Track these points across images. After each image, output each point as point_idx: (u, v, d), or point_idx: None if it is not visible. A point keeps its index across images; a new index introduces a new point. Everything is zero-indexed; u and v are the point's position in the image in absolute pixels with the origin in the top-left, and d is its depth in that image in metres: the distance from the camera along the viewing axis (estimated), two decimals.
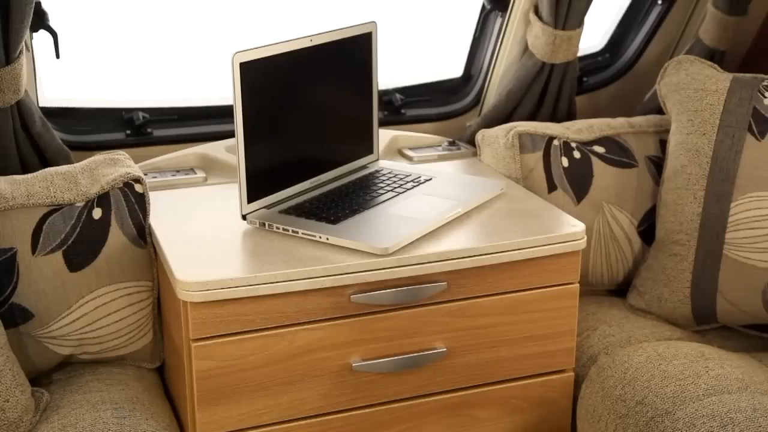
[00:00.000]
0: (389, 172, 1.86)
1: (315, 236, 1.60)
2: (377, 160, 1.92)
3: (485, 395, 1.71)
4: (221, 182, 1.90)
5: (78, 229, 1.62)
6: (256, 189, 1.66)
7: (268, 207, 1.69)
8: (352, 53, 1.81)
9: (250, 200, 1.66)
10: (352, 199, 1.73)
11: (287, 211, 1.68)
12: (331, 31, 1.74)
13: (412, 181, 1.82)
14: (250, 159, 1.63)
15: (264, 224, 1.64)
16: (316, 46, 1.71)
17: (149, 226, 1.67)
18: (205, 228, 1.67)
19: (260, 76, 1.62)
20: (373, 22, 1.82)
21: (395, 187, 1.79)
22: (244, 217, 1.66)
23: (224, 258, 1.57)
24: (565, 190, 1.95)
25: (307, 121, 1.75)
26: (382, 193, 1.76)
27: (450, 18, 2.30)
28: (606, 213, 1.98)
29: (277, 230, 1.63)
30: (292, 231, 1.62)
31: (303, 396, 1.58)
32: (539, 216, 1.73)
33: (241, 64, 1.58)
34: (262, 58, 1.61)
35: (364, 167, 1.89)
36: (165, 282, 1.62)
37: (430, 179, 1.84)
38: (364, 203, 1.71)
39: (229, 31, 2.11)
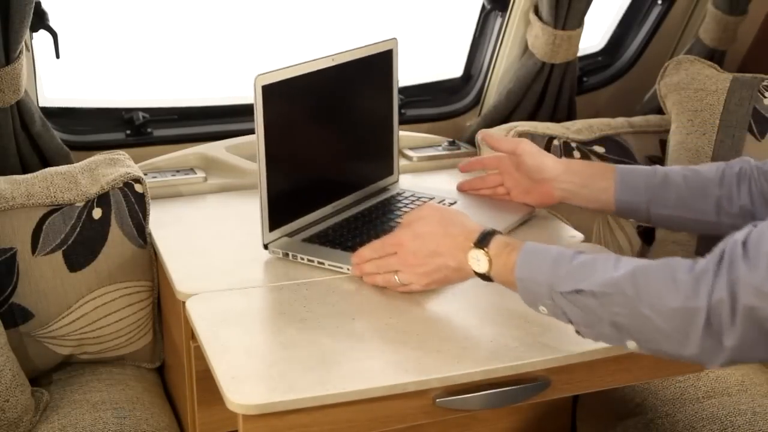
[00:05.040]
0: (411, 195, 1.77)
1: (342, 268, 1.50)
2: (397, 181, 1.84)
3: None
4: (221, 183, 1.90)
5: (78, 229, 1.62)
6: (277, 216, 1.56)
7: (289, 235, 1.59)
8: (373, 71, 1.73)
9: (271, 228, 1.56)
10: (377, 226, 1.63)
11: (310, 240, 1.58)
12: (352, 50, 1.66)
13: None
14: (271, 185, 1.53)
15: (288, 254, 1.54)
16: (337, 65, 1.63)
17: (150, 234, 1.67)
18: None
19: (282, 98, 1.53)
20: (394, 38, 1.74)
21: None
22: (265, 246, 1.56)
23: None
24: None
25: (328, 142, 1.68)
26: None
27: (450, 18, 2.30)
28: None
29: (302, 261, 1.53)
30: (318, 262, 1.51)
31: None
32: (537, 226, 1.70)
33: (264, 87, 1.49)
34: (284, 80, 1.53)
35: (384, 189, 1.80)
36: (165, 282, 1.62)
37: (455, 202, 1.75)
38: (389, 231, 1.58)
39: (228, 31, 2.12)
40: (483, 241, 1.32)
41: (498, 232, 1.33)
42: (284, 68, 1.53)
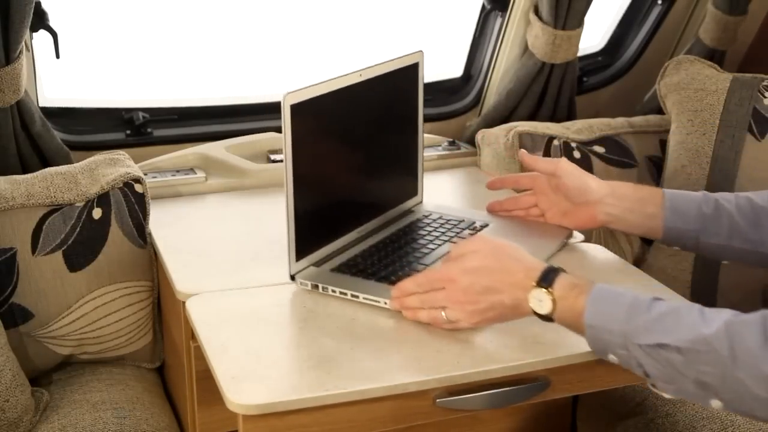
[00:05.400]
0: (439, 217, 1.66)
1: (379, 302, 1.38)
2: (421, 202, 1.73)
3: None
4: (221, 183, 1.89)
5: (78, 229, 1.62)
6: (303, 243, 1.44)
7: (317, 264, 1.48)
8: (398, 86, 1.63)
9: (298, 257, 1.44)
10: (408, 253, 1.52)
11: (340, 269, 1.46)
12: (379, 64, 1.57)
13: (468, 228, 1.62)
14: (298, 210, 1.41)
15: (318, 286, 1.42)
16: (365, 81, 1.52)
17: (150, 234, 1.67)
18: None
19: (309, 117, 1.42)
20: (420, 51, 1.65)
21: (451, 236, 1.58)
22: (292, 278, 1.44)
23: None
24: None
25: (353, 163, 1.58)
26: (440, 244, 1.55)
27: (450, 18, 2.30)
28: None
29: (333, 294, 1.41)
30: (351, 295, 1.40)
31: None
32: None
33: (292, 107, 1.37)
34: (312, 98, 1.42)
35: (409, 211, 1.69)
36: (165, 282, 1.62)
37: (487, 225, 1.63)
38: (423, 258, 1.50)
39: (228, 31, 2.12)
40: (546, 279, 1.23)
41: (561, 269, 1.25)
42: (312, 86, 1.43)
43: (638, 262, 1.97)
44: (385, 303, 1.37)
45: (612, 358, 1.19)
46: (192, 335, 1.44)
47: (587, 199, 1.54)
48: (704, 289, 1.86)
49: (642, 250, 1.99)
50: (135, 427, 1.54)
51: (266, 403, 1.18)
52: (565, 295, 1.21)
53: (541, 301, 1.23)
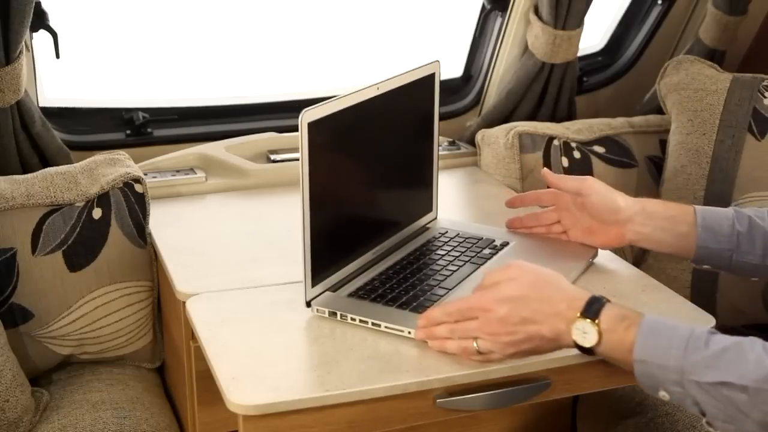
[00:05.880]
0: (456, 235, 1.59)
1: (403, 331, 1.30)
2: (436, 218, 1.66)
3: None
4: (221, 183, 1.90)
5: (78, 229, 1.62)
6: (318, 267, 1.36)
7: (332, 289, 1.40)
8: (414, 97, 1.57)
9: (313, 282, 1.36)
10: (428, 276, 1.44)
11: (357, 295, 1.38)
12: (396, 76, 1.50)
13: (488, 247, 1.55)
14: (314, 232, 1.33)
15: (335, 314, 1.34)
16: (382, 94, 1.45)
17: (150, 234, 1.67)
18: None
19: (327, 134, 1.34)
20: (437, 61, 1.61)
21: (472, 256, 1.51)
22: (308, 304, 1.36)
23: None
24: None
25: (368, 180, 1.50)
26: (460, 266, 1.48)
27: (450, 18, 2.30)
28: None
29: (353, 322, 1.33)
30: (372, 324, 1.32)
31: None
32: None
33: (309, 124, 1.29)
34: (330, 115, 1.34)
35: (424, 228, 1.62)
36: (165, 282, 1.62)
37: (507, 243, 1.57)
38: (444, 281, 1.43)
39: (228, 31, 2.12)
40: (590, 310, 1.17)
41: (606, 299, 1.19)
42: (330, 101, 1.35)
43: (638, 263, 1.97)
44: (409, 332, 1.30)
45: (663, 395, 1.14)
46: (192, 335, 1.44)
47: (617, 218, 1.47)
48: (704, 289, 1.86)
49: (642, 250, 1.99)
50: (135, 427, 1.54)
51: (266, 403, 1.18)
52: (613, 328, 1.16)
53: (585, 333, 1.17)
